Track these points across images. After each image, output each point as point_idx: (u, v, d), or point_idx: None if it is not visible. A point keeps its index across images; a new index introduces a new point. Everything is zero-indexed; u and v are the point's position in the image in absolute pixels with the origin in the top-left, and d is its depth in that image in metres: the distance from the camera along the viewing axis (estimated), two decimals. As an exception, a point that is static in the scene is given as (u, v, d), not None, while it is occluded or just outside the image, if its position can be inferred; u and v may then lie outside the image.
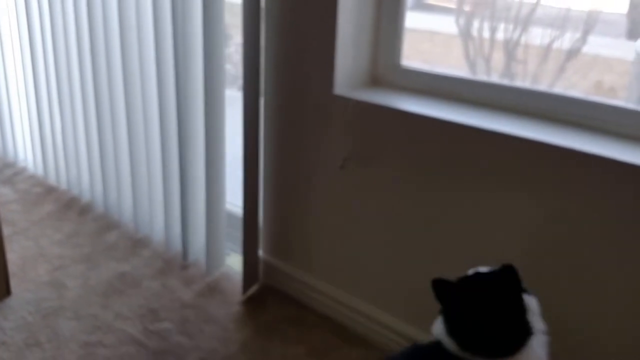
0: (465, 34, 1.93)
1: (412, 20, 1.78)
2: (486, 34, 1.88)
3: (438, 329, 1.21)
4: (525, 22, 1.79)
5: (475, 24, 1.91)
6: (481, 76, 1.87)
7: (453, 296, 1.20)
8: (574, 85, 1.75)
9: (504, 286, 1.18)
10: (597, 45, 1.72)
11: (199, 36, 1.98)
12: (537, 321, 1.17)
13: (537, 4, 1.76)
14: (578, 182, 1.38)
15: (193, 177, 2.16)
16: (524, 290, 1.19)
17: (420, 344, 1.27)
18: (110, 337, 1.91)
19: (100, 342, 1.88)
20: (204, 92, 2.00)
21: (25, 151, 3.16)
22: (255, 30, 1.80)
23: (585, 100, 1.52)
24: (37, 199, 2.82)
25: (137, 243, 2.46)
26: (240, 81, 2.00)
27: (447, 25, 2.01)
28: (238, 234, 2.13)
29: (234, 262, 2.29)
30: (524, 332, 1.14)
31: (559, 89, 1.66)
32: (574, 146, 1.37)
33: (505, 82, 1.73)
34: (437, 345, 1.20)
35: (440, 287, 1.20)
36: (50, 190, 2.91)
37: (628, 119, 1.45)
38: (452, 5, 2.00)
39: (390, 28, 1.76)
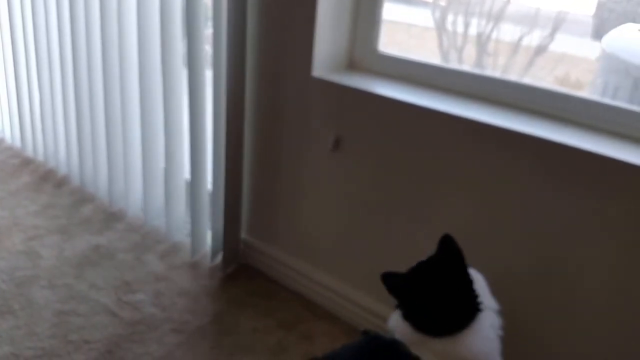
0: (440, 27, 1.99)
1: (389, 11, 1.82)
2: (460, 27, 1.94)
3: (393, 321, 1.25)
4: (497, 18, 1.85)
5: (450, 17, 1.97)
6: (454, 65, 1.93)
7: (402, 285, 1.23)
8: (541, 80, 1.82)
9: (448, 264, 1.21)
10: (564, 43, 1.80)
11: (179, 17, 2.01)
12: (486, 299, 1.21)
13: (508, 1, 1.83)
14: (543, 166, 1.46)
15: (170, 153, 2.19)
16: (466, 266, 1.22)
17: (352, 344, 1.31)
18: (83, 306, 1.94)
19: (74, 311, 1.92)
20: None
21: (3, 123, 3.16)
22: (240, 12, 1.84)
23: (552, 91, 1.59)
24: (14, 170, 2.83)
25: (112, 216, 2.49)
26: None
27: (422, 17, 2.07)
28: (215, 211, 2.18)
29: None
30: (471, 309, 1.17)
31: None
32: (541, 135, 1.44)
33: (478, 71, 1.79)
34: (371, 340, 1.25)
35: (389, 279, 1.24)
36: (27, 162, 2.92)
37: (592, 111, 1.52)
38: (429, -1, 2.06)
39: (369, 14, 1.81)
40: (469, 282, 1.21)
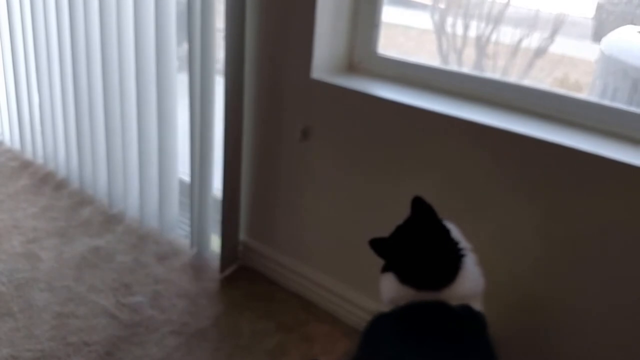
0: (440, 29, 1.99)
1: (388, 14, 1.83)
2: (459, 30, 1.95)
3: (388, 293, 1.31)
4: (496, 20, 1.86)
5: (449, 20, 1.97)
6: (453, 67, 1.93)
7: (390, 247, 1.32)
8: (540, 82, 1.82)
9: (424, 222, 1.31)
10: (564, 45, 1.80)
11: (179, 21, 2.01)
12: (463, 242, 1.31)
13: (507, 3, 1.83)
14: (543, 167, 1.46)
15: (170, 155, 2.19)
16: (440, 219, 1.32)
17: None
18: (82, 308, 1.94)
19: (73, 313, 1.92)
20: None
21: (2, 125, 3.15)
22: (238, 14, 1.84)
23: (551, 93, 1.59)
24: (13, 173, 2.83)
25: (111, 219, 2.49)
26: (217, 65, 2.03)
27: (421, 20, 2.07)
28: (214, 214, 2.18)
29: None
30: (457, 257, 1.26)
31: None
32: (541, 136, 1.44)
33: (477, 73, 1.79)
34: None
35: (377, 244, 1.32)
36: (26, 165, 2.92)
37: (591, 113, 1.53)
38: (428, 2, 2.06)
39: (368, 17, 1.82)
40: (447, 232, 1.30)
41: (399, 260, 1.30)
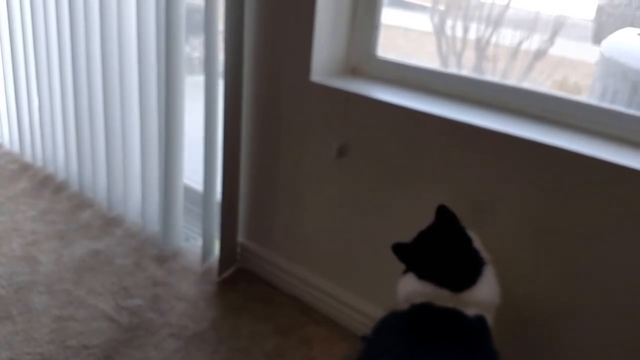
0: (439, 31, 1.99)
1: (388, 16, 1.82)
2: (459, 32, 1.94)
3: (406, 286, 1.32)
4: (496, 22, 1.85)
5: (449, 22, 1.97)
6: (453, 70, 1.93)
7: (413, 252, 1.34)
8: (540, 84, 1.82)
9: (447, 229, 1.34)
10: (564, 47, 1.79)
11: (179, 23, 2.01)
12: (483, 252, 1.34)
13: (507, 5, 1.83)
14: (542, 170, 1.46)
15: (173, 159, 2.19)
16: (463, 228, 1.35)
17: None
18: (82, 312, 1.94)
19: (72, 317, 1.91)
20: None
21: (2, 128, 3.15)
22: (237, 17, 1.84)
23: (551, 95, 1.59)
24: (12, 176, 2.83)
25: (111, 222, 2.48)
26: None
27: (421, 22, 2.07)
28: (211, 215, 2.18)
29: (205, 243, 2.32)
30: (478, 263, 1.29)
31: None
32: (540, 139, 1.44)
33: (477, 75, 1.79)
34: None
35: (400, 248, 1.34)
36: (25, 168, 2.92)
37: (591, 115, 1.53)
38: (427, 4, 2.06)
39: (367, 19, 1.81)
40: (469, 241, 1.33)
41: (420, 262, 1.32)
